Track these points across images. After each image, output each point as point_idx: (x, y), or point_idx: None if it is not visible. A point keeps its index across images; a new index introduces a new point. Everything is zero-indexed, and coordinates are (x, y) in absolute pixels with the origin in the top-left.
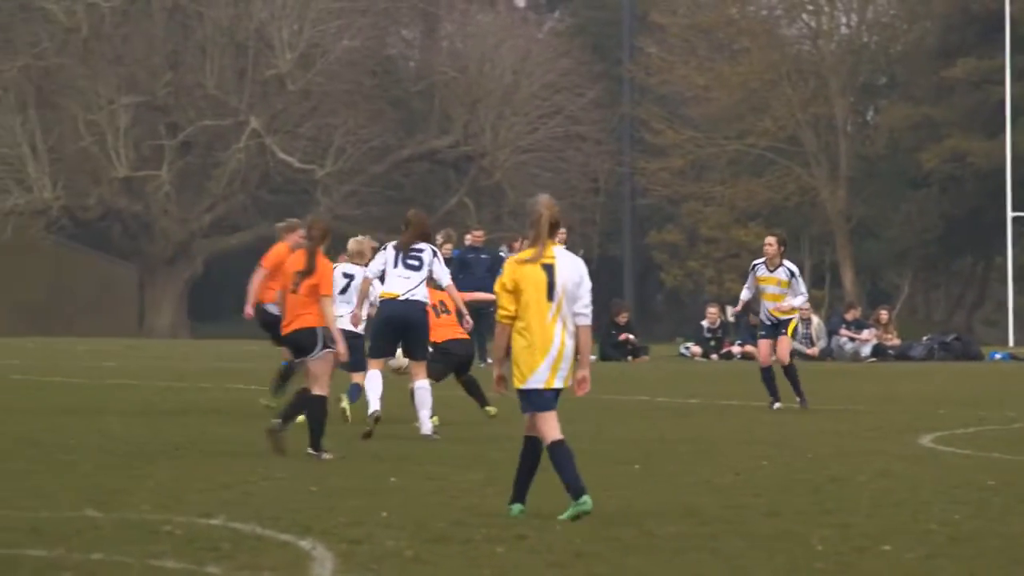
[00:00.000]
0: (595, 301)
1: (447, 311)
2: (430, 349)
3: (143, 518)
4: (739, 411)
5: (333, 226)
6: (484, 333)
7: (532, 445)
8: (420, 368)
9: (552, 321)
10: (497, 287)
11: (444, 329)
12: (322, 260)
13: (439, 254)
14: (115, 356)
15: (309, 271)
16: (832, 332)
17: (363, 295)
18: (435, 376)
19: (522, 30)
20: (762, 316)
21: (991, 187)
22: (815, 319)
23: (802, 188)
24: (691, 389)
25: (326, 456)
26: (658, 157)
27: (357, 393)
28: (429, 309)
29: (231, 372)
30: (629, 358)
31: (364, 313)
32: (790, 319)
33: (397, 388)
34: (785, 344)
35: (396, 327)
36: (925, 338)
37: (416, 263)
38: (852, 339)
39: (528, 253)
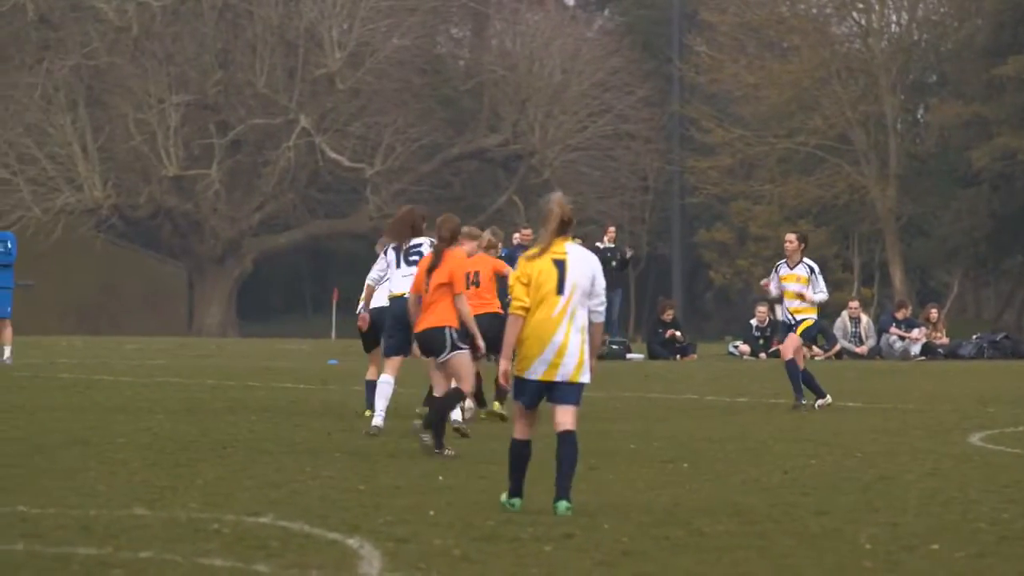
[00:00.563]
0: (644, 299)
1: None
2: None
3: (191, 516)
4: (787, 410)
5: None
6: None
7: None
8: (390, 365)
9: (559, 315)
10: (512, 280)
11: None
12: (453, 259)
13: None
14: (164, 355)
15: (437, 269)
16: (883, 331)
17: (368, 300)
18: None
19: (571, 29)
20: (781, 315)
21: None
22: (864, 317)
23: (852, 186)
24: (740, 388)
25: (448, 453)
26: (707, 156)
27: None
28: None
29: (279, 371)
30: (677, 356)
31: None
32: (805, 318)
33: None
34: (792, 342)
35: (407, 324)
36: (975, 337)
37: (418, 259)
38: (902, 338)
39: (535, 249)
